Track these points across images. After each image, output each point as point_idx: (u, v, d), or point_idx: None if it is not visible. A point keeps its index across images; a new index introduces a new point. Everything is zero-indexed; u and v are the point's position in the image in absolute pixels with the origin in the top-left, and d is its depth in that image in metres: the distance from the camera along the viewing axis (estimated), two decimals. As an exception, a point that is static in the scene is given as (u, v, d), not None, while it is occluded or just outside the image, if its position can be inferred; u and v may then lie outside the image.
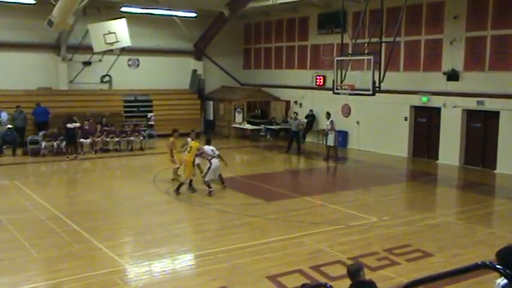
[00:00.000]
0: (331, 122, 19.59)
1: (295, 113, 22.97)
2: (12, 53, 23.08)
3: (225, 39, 27.98)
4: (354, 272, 5.17)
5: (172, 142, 15.16)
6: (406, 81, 20.30)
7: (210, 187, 13.78)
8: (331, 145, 19.52)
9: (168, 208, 12.90)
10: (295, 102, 26.15)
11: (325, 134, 20.10)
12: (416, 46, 20.19)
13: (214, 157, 14.02)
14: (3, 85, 22.61)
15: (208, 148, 14.20)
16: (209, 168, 13.95)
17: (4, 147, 20.05)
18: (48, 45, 24.02)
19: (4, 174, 17.52)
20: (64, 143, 20.00)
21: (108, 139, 21.39)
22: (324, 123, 23.68)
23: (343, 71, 18.62)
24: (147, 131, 23.03)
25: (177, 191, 13.75)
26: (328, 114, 20.04)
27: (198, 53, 28.03)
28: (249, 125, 25.95)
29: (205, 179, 13.86)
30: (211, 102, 27.88)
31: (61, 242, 10.04)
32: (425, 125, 20.39)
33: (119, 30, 21.66)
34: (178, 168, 15.16)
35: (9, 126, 20.37)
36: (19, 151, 20.05)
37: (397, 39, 18.65)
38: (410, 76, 20.35)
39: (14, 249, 9.53)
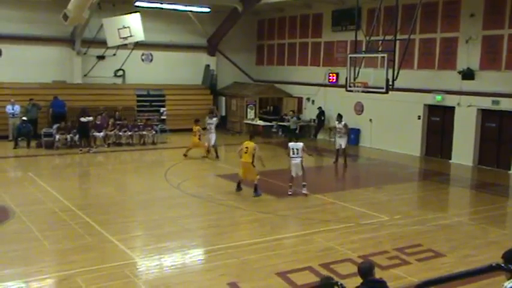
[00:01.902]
0: (345, 125, 18.47)
1: (292, 111, 22.92)
2: (28, 47, 23.30)
3: (239, 35, 27.97)
4: (366, 271, 5.09)
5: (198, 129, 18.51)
6: (420, 79, 20.14)
7: (290, 187, 13.51)
8: (343, 147, 18.27)
9: (179, 203, 12.94)
10: (308, 99, 26.08)
11: (338, 136, 18.51)
12: (431, 44, 20.02)
13: (293, 158, 13.47)
14: (19, 78, 22.85)
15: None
16: (290, 165, 13.64)
17: (19, 139, 20.26)
18: (63, 39, 24.21)
19: (19, 166, 17.74)
20: (77, 136, 20.17)
21: (120, 133, 21.52)
22: (334, 120, 23.70)
23: (357, 69, 18.50)
24: (159, 126, 23.13)
25: (257, 193, 13.25)
26: (340, 117, 18.85)
27: (211, 48, 28.04)
28: (261, 121, 25.94)
29: (293, 175, 13.51)
30: (223, 98, 27.92)
31: (73, 234, 10.14)
32: (438, 124, 20.23)
33: (133, 25, 21.77)
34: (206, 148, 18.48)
35: (24, 118, 20.58)
36: (33, 143, 20.25)
37: (412, 36, 18.52)
38: (425, 74, 20.19)
39: (27, 241, 9.64)
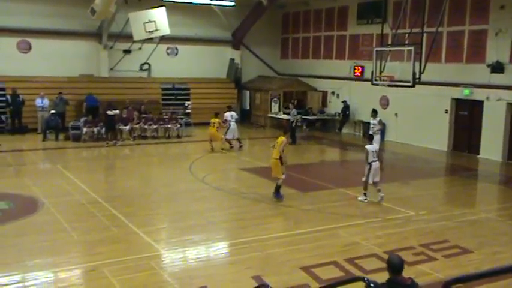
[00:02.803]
0: (380, 121, 17.40)
1: (292, 103, 22.64)
2: (56, 41, 23.69)
3: (263, 28, 27.91)
4: (397, 267, 4.76)
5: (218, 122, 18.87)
6: (448, 73, 19.79)
7: (365, 194, 12.38)
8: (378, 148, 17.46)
9: (203, 196, 13.02)
10: (332, 92, 25.92)
11: (372, 133, 16.18)
12: (459, 37, 19.63)
13: (374, 161, 12.17)
14: (47, 72, 23.26)
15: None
16: (369, 170, 12.20)
17: (47, 132, 20.65)
18: (91, 34, 24.55)
19: (47, 158, 18.09)
20: (104, 129, 20.46)
21: (146, 126, 21.74)
22: (361, 114, 23.51)
23: (383, 62, 18.30)
24: (184, 119, 23.28)
25: (277, 195, 12.29)
26: (375, 112, 17.53)
27: (236, 42, 28.06)
28: (285, 115, 25.86)
29: (368, 181, 12.25)
30: (247, 92, 27.93)
31: (100, 225, 10.30)
32: (466, 118, 19.87)
33: (159, 19, 21.92)
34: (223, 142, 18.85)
35: (53, 111, 20.96)
36: (61, 136, 20.63)
37: (440, 29, 18.19)
38: (452, 68, 19.82)
39: (55, 232, 9.84)
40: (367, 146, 12.40)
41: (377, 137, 16.58)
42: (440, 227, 10.72)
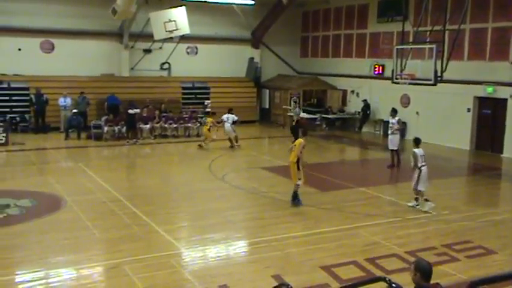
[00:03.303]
0: (399, 121, 16.37)
1: (295, 101, 22.39)
2: (78, 41, 23.99)
3: (283, 27, 27.85)
4: (430, 273, 4.57)
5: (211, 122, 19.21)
6: (470, 70, 19.49)
7: (417, 200, 11.71)
8: (394, 149, 16.14)
9: (223, 194, 13.06)
10: (352, 91, 25.76)
11: (390, 133, 16.28)
12: (482, 34, 19.31)
13: (423, 165, 11.50)
14: (69, 71, 23.57)
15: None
16: (419, 175, 11.49)
17: (69, 131, 20.95)
18: (112, 33, 24.80)
19: (70, 157, 18.34)
20: (125, 128, 20.67)
21: (166, 125, 21.90)
22: (381, 113, 23.30)
23: (404, 60, 18.11)
24: (203, 118, 23.34)
25: (294, 201, 11.76)
26: (395, 112, 16.56)
27: (255, 41, 28.05)
28: (305, 114, 25.78)
29: (417, 188, 11.59)
30: (267, 91, 27.91)
31: (121, 223, 10.41)
32: (489, 117, 19.54)
33: (179, 18, 22.04)
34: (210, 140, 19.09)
35: (75, 110, 21.25)
36: (83, 135, 20.90)
37: (462, 26, 17.92)
38: (475, 65, 19.51)
39: (78, 229, 9.97)
40: (416, 150, 11.62)
41: (396, 137, 16.12)
42: (463, 227, 10.57)
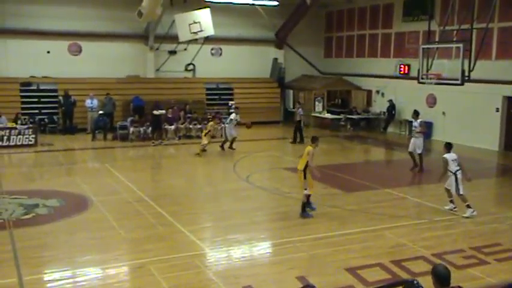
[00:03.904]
0: (421, 123, 15.80)
1: (299, 102, 22.12)
2: (104, 43, 24.35)
3: (306, 27, 27.77)
4: (443, 278, 4.55)
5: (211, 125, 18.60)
6: (499, 70, 19.10)
7: (452, 202, 11.54)
8: (419, 152, 15.66)
9: (247, 195, 13.08)
10: (377, 91, 25.52)
11: (413, 136, 15.88)
12: (510, 33, 18.91)
13: (458, 170, 11.20)
14: (95, 73, 23.95)
15: None
16: (456, 180, 11.24)
17: (96, 132, 21.26)
18: (137, 35, 25.10)
19: (96, 157, 18.62)
20: (150, 128, 20.88)
21: (191, 126, 22.04)
22: (407, 113, 22.99)
23: (430, 60, 17.85)
24: (228, 119, 23.40)
25: (303, 212, 11.04)
26: (416, 114, 16.04)
27: (279, 41, 28.02)
28: (329, 114, 25.68)
29: (459, 193, 11.27)
30: (291, 91, 27.86)
31: (147, 223, 10.51)
32: (519, 117, 19.13)
33: (203, 20, 22.16)
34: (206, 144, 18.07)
35: (101, 112, 21.57)
36: (109, 136, 21.19)
37: (490, 25, 17.57)
38: (504, 65, 19.11)
39: (104, 229, 10.11)
40: (446, 155, 11.32)
41: (419, 141, 15.54)
42: (492, 230, 10.37)
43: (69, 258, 8.63)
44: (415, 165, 15.94)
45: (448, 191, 11.50)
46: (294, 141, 20.90)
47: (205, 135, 18.26)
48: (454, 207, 11.49)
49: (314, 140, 11.12)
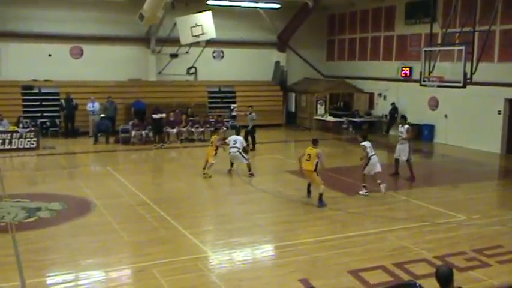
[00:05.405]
0: (408, 129, 15.23)
1: (250, 106, 21.06)
2: (106, 46, 24.40)
3: (309, 30, 27.80)
4: (446, 278, 4.63)
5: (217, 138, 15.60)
6: (501, 72, 19.09)
7: (365, 188, 13.11)
8: (406, 158, 15.18)
9: (249, 198, 13.08)
10: (379, 94, 25.51)
11: (399, 143, 15.36)
12: (513, 35, 18.91)
13: (373, 155, 13.16)
14: (97, 76, 23.99)
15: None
16: (367, 164, 13.14)
17: (98, 135, 21.30)
18: (139, 39, 25.15)
19: (98, 161, 18.65)
20: (152, 132, 20.91)
21: (193, 129, 22.06)
22: (410, 116, 22.96)
23: (432, 62, 17.85)
24: (230, 122, 23.46)
25: (320, 202, 12.02)
26: (404, 119, 16.07)
27: (281, 44, 28.06)
28: (331, 117, 25.67)
29: (364, 173, 13.20)
30: (293, 94, 27.88)
31: (149, 226, 10.52)
32: (521, 120, 19.10)
33: (205, 23, 22.22)
34: (210, 165, 15.10)
35: (103, 115, 21.60)
36: (111, 139, 21.22)
37: (492, 28, 17.57)
38: (506, 67, 19.10)
39: (106, 232, 10.11)
40: (364, 143, 13.19)
41: (404, 146, 15.09)
42: (494, 232, 10.35)
43: (71, 262, 8.64)
44: (396, 173, 15.53)
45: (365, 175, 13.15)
46: (253, 148, 19.53)
47: (214, 154, 15.33)
48: (366, 192, 12.95)
49: (316, 142, 12.39)
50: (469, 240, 9.82)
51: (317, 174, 12.11)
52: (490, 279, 7.95)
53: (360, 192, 13.10)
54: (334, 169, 16.00)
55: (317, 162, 12.00)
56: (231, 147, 15.31)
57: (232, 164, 15.67)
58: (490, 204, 13.06)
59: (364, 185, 13.17)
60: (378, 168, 13.12)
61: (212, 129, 21.60)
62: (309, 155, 12.11)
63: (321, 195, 12.06)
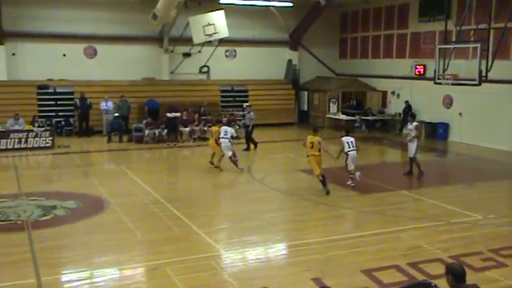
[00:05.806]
0: (416, 126, 15.34)
1: (249, 105, 20.96)
2: (119, 46, 24.54)
3: (321, 28, 27.69)
4: (458, 276, 4.64)
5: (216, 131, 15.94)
6: (517, 70, 18.85)
7: (352, 179, 13.71)
8: (411, 156, 15.23)
9: (262, 197, 13.07)
10: (392, 92, 25.33)
11: (408, 140, 15.24)
12: (529, 32, 18.65)
13: (350, 150, 13.62)
14: (111, 76, 24.15)
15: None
16: (346, 159, 13.70)
17: (112, 134, 21.44)
18: (152, 38, 25.26)
19: (112, 159, 18.77)
20: (165, 131, 20.99)
21: (205, 128, 22.10)
22: (423, 114, 22.81)
23: (446, 60, 17.70)
24: (242, 121, 23.44)
25: (326, 188, 12.92)
26: (413, 117, 16.45)
27: (294, 43, 27.99)
28: (344, 116, 25.56)
29: (348, 168, 13.74)
30: (305, 93, 27.81)
31: (163, 225, 10.56)
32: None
33: (218, 22, 22.24)
34: (222, 155, 15.71)
35: (116, 114, 21.74)
36: (125, 138, 21.35)
37: (508, 24, 17.34)
38: (522, 65, 18.86)
39: (120, 231, 10.18)
40: (343, 138, 13.68)
41: (413, 145, 14.97)
42: (510, 232, 10.23)
43: (86, 260, 8.72)
44: (410, 172, 15.36)
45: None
46: (248, 149, 19.40)
47: (216, 142, 15.72)
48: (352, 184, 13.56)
49: (317, 130, 13.41)
50: (485, 240, 9.71)
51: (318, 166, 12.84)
52: (506, 280, 7.85)
53: (348, 182, 13.75)
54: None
55: (319, 150, 12.83)
56: (221, 138, 15.56)
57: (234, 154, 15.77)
58: (506, 203, 12.90)
59: (351, 176, 13.68)
60: (351, 167, 13.63)
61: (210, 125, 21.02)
62: (311, 143, 12.87)
63: (323, 181, 12.89)
